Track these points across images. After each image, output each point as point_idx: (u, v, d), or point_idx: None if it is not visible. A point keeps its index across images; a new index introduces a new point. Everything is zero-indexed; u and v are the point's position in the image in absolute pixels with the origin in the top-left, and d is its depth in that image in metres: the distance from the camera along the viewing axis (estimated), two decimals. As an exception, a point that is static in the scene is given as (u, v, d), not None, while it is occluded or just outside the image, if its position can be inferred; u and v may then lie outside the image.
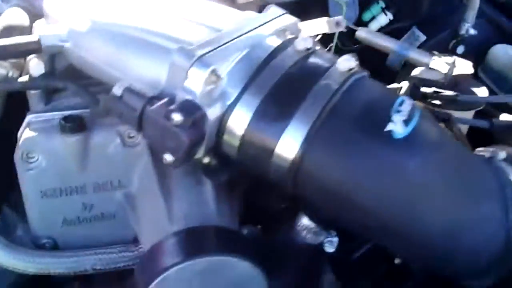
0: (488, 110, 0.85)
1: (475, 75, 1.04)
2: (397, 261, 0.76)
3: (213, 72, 0.51)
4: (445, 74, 0.69)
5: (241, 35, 0.56)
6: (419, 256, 0.57)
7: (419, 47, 1.12)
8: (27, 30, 0.69)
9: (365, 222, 0.53)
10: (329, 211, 0.54)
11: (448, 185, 0.52)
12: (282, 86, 0.52)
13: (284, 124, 0.50)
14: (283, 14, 0.63)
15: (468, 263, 0.54)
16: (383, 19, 1.12)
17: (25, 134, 0.62)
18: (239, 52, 0.54)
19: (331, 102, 0.51)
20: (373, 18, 1.12)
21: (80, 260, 0.65)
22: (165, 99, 0.51)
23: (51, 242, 0.67)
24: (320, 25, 0.67)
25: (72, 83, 0.63)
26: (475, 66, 1.07)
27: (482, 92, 0.82)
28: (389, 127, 0.50)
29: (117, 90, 0.51)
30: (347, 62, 0.54)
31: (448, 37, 1.11)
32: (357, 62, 0.54)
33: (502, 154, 0.59)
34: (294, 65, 0.54)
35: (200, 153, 0.53)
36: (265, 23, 0.60)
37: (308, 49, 0.56)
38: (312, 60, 0.56)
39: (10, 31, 0.67)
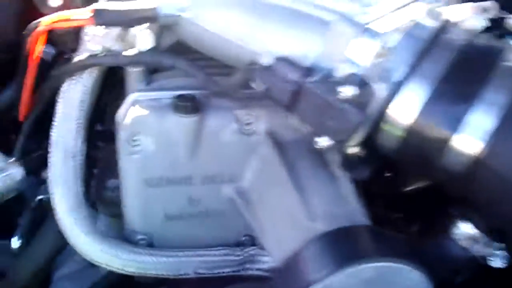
0: None
1: None
2: None
3: (383, 45, 0.43)
4: None
5: (400, 7, 0.48)
6: None
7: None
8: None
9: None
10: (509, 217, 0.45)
11: None
12: (459, 66, 0.44)
13: (465, 113, 0.42)
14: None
15: None
16: None
17: (133, 112, 0.55)
18: (404, 24, 0.46)
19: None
20: None
21: (182, 262, 0.57)
22: (323, 73, 0.43)
23: (147, 239, 0.59)
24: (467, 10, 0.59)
25: (184, 60, 0.56)
26: None
27: None
28: None
29: (266, 59, 0.43)
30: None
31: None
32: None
33: None
34: (467, 44, 0.46)
35: (353, 141, 0.45)
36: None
37: (481, 27, 0.47)
38: (483, 39, 0.47)
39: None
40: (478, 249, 0.47)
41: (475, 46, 0.46)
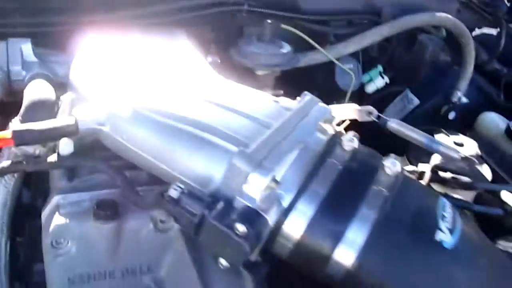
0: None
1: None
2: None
3: (273, 179, 0.51)
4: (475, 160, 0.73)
5: (289, 133, 0.56)
6: None
7: (413, 110, 1.18)
8: (54, 105, 0.67)
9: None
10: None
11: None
12: (335, 193, 0.53)
13: (341, 232, 0.51)
14: (319, 101, 0.65)
15: None
16: (380, 82, 1.17)
17: (56, 220, 0.60)
18: (291, 154, 0.54)
19: (383, 210, 0.52)
20: (370, 80, 1.16)
21: None
22: (222, 205, 0.50)
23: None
24: (350, 111, 0.69)
25: (104, 164, 0.61)
26: (464, 131, 1.13)
27: (485, 170, 0.87)
28: (439, 236, 0.52)
29: (173, 193, 0.50)
30: (393, 166, 0.55)
31: (440, 102, 1.16)
32: (399, 163, 0.56)
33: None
34: (345, 168, 0.55)
35: (252, 255, 0.53)
36: (306, 116, 0.61)
37: (354, 148, 0.57)
38: (359, 162, 0.57)
39: (37, 106, 0.65)
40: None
41: (353, 169, 0.55)
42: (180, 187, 0.51)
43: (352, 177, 0.55)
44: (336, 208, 0.52)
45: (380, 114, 0.68)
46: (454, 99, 1.14)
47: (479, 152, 0.84)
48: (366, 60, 1.15)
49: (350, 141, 0.58)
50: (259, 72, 0.85)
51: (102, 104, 0.61)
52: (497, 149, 1.05)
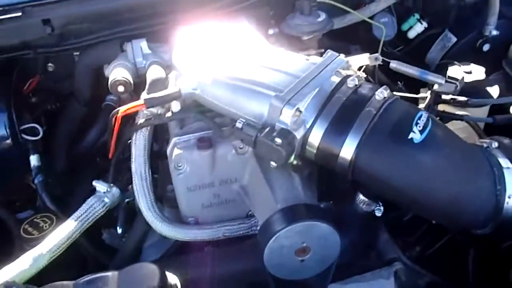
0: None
1: (501, 68, 1.28)
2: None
3: (297, 109, 0.82)
4: (458, 84, 0.96)
5: (311, 80, 0.86)
6: (438, 218, 0.86)
7: (451, 47, 1.38)
8: (165, 81, 1.03)
9: (400, 198, 0.83)
10: (376, 191, 0.84)
11: (453, 170, 0.80)
12: (340, 114, 0.82)
13: (343, 138, 0.81)
14: (338, 56, 0.93)
15: (470, 220, 0.83)
16: (419, 27, 1.38)
17: (175, 151, 0.96)
18: (312, 93, 0.85)
19: (372, 122, 0.80)
20: (410, 27, 1.38)
21: (215, 230, 1.00)
22: (268, 129, 0.82)
23: (194, 219, 1.02)
24: (363, 60, 0.96)
25: (201, 115, 0.97)
26: (500, 60, 1.31)
27: (494, 91, 1.07)
28: (410, 135, 0.79)
29: (239, 124, 0.84)
30: (381, 94, 0.83)
31: (475, 37, 1.35)
32: (388, 91, 0.84)
33: (495, 144, 0.86)
34: (347, 98, 0.84)
35: (291, 159, 0.85)
36: (326, 67, 0.90)
37: (356, 85, 0.85)
38: (359, 93, 0.85)
39: (156, 83, 1.01)
40: (367, 207, 0.87)
41: (352, 99, 0.84)
42: (242, 121, 0.84)
43: (352, 104, 0.84)
44: (340, 124, 0.82)
45: (384, 58, 0.95)
46: (486, 33, 1.32)
47: (483, 76, 1.05)
48: (404, 11, 1.37)
49: (353, 80, 0.86)
50: (304, 38, 1.14)
51: (193, 76, 0.96)
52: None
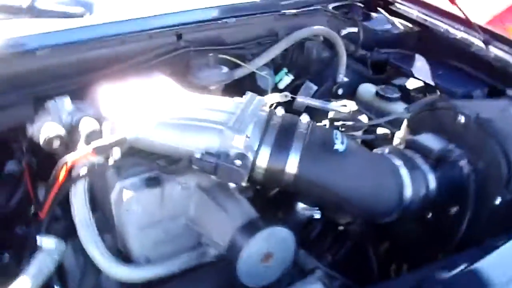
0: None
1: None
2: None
3: (246, 136, 0.97)
4: (348, 112, 1.23)
5: (247, 113, 1.03)
6: (360, 212, 1.07)
7: (314, 93, 1.68)
8: (99, 132, 1.08)
9: (332, 198, 1.02)
10: (315, 196, 1.02)
11: (369, 171, 1.04)
12: (279, 137, 1.00)
13: (287, 156, 0.98)
14: (256, 95, 1.12)
15: (382, 210, 1.06)
16: (287, 79, 1.66)
17: (125, 194, 1.01)
18: (252, 123, 1.01)
19: (305, 140, 1.00)
20: (280, 80, 1.66)
21: (171, 265, 1.05)
22: (225, 155, 0.95)
23: (146, 259, 1.05)
24: (275, 97, 1.17)
25: (142, 158, 1.04)
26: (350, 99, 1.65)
27: (363, 118, 1.38)
28: (336, 147, 1.00)
29: (197, 155, 0.95)
30: (305, 119, 1.04)
31: (331, 84, 1.68)
32: (308, 119, 1.05)
33: (386, 150, 1.13)
34: (280, 125, 1.02)
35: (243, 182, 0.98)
36: (252, 103, 1.08)
37: (283, 114, 1.05)
38: (288, 119, 1.04)
39: (92, 134, 1.05)
40: (309, 213, 1.05)
41: (285, 124, 1.03)
42: (200, 152, 0.95)
43: (285, 128, 1.02)
44: (281, 145, 0.99)
45: (292, 95, 1.17)
46: (339, 80, 1.66)
47: (356, 108, 1.35)
48: (275, 66, 1.64)
49: (279, 112, 1.05)
50: (212, 87, 1.31)
51: (135, 123, 1.04)
52: (371, 106, 1.58)
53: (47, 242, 0.99)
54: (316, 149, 1.00)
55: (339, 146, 1.01)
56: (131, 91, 1.13)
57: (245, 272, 0.94)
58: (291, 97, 1.18)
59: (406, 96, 1.56)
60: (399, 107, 1.50)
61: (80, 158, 0.99)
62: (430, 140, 1.15)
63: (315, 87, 1.69)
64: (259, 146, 0.99)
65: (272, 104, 1.19)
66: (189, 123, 1.01)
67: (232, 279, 0.99)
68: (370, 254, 1.31)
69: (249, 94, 1.12)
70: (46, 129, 1.06)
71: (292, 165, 0.98)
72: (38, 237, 0.99)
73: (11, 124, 1.15)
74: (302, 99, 1.17)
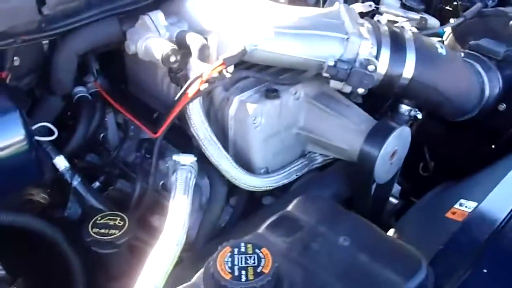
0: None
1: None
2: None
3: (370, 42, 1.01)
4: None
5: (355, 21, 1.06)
6: (454, 110, 1.17)
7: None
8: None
9: (438, 98, 1.10)
10: (423, 97, 1.10)
11: (462, 71, 1.14)
12: (393, 44, 1.05)
13: (404, 60, 1.04)
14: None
15: (468, 109, 1.18)
16: None
17: (249, 106, 1.01)
18: (367, 30, 1.04)
19: (414, 47, 1.06)
20: None
21: (289, 174, 1.09)
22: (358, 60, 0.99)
23: (265, 170, 1.09)
24: (359, 7, 1.20)
25: (256, 73, 1.05)
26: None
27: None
28: (439, 51, 1.09)
29: (331, 63, 0.98)
30: (408, 25, 1.10)
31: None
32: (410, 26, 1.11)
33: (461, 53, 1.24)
34: (390, 32, 1.07)
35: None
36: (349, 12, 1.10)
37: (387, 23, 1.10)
38: (393, 28, 1.09)
39: (204, 48, 1.02)
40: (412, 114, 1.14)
41: (393, 32, 1.07)
42: (333, 60, 0.98)
43: (395, 36, 1.07)
44: (396, 51, 1.04)
45: (376, 5, 1.21)
46: None
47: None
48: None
49: (382, 20, 1.10)
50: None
51: (252, 34, 1.02)
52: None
53: (185, 159, 0.98)
54: (426, 53, 1.07)
55: (441, 50, 1.09)
56: (228, 4, 1.10)
57: (379, 168, 1.01)
58: (375, 7, 1.23)
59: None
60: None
61: (213, 71, 0.97)
62: (491, 44, 1.27)
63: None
64: (378, 51, 1.03)
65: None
66: (308, 32, 1.02)
67: (352, 179, 1.08)
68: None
69: (340, 4, 1.14)
70: (159, 45, 1.01)
71: (409, 69, 1.04)
72: (174, 156, 0.98)
73: (99, 41, 1.07)
74: (385, 9, 1.22)
